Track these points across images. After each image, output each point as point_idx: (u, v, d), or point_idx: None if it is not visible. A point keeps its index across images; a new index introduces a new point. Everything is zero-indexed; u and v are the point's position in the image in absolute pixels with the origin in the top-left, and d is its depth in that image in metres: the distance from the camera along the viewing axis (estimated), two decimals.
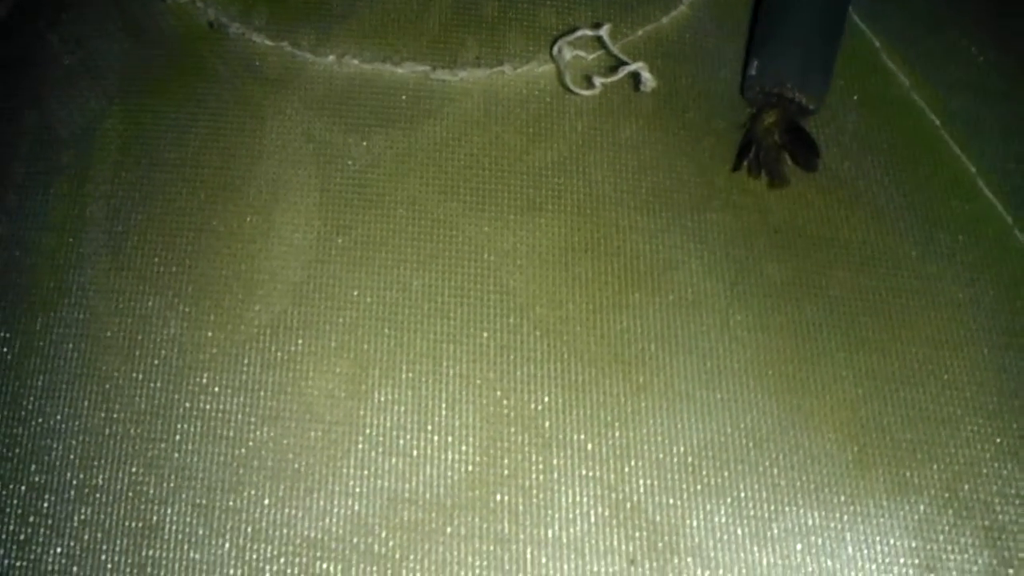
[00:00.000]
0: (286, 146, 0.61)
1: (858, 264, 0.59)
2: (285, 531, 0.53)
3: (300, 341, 0.57)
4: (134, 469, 0.55)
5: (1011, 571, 0.53)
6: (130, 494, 0.54)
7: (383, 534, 0.53)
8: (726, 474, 0.54)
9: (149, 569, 0.52)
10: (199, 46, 0.65)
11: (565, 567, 0.52)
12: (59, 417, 0.56)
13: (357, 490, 0.54)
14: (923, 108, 0.64)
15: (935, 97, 0.64)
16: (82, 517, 0.54)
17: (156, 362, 0.57)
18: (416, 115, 0.62)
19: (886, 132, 0.63)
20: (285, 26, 0.65)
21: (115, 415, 0.56)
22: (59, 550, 0.53)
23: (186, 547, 0.53)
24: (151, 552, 0.53)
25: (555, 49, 0.62)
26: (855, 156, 0.62)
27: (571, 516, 0.53)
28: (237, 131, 0.62)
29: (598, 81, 0.60)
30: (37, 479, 0.54)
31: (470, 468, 0.54)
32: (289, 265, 0.58)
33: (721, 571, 0.52)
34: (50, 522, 0.53)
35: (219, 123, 0.62)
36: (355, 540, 0.53)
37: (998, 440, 0.55)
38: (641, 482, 0.54)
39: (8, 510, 0.53)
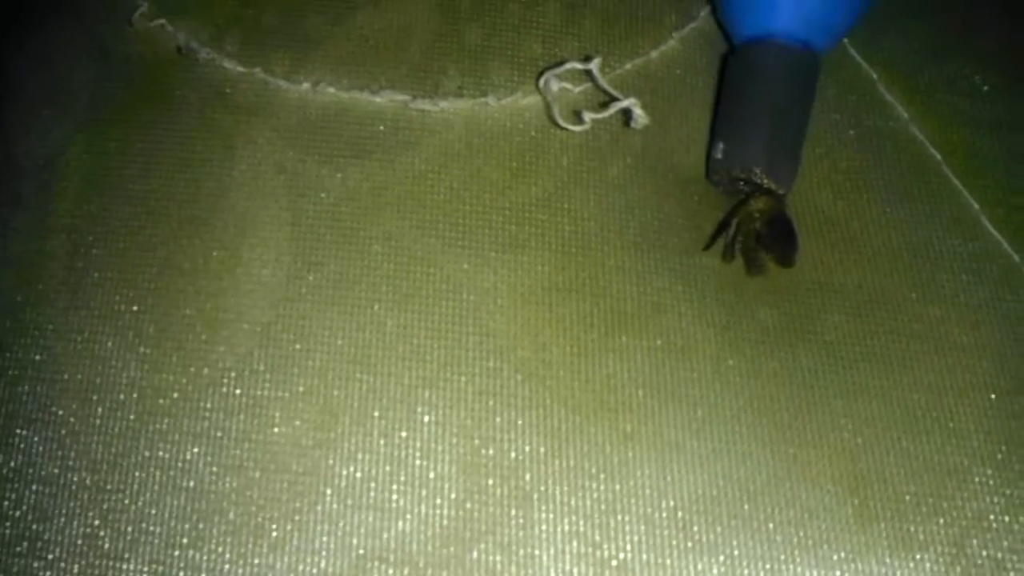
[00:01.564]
0: (256, 178, 0.58)
1: (855, 308, 0.56)
2: None
3: (266, 385, 0.53)
4: (89, 521, 0.51)
5: None
6: (85, 548, 0.51)
7: None
8: (719, 529, 0.51)
9: None
10: (167, 72, 0.62)
11: None
12: (12, 465, 0.52)
13: (324, 546, 0.50)
14: (923, 142, 0.61)
15: (936, 130, 0.62)
16: (34, 572, 0.50)
17: (114, 407, 0.53)
18: (394, 146, 0.60)
19: (883, 168, 0.60)
20: (258, 52, 0.62)
21: (70, 463, 0.52)
22: None
23: None
24: None
25: (541, 81, 0.59)
26: (849, 195, 0.59)
27: (552, 575, 0.50)
28: (205, 162, 0.59)
29: (587, 116, 0.57)
30: None
31: (445, 523, 0.51)
32: (256, 304, 0.55)
33: None
34: None
35: (186, 153, 0.59)
36: None
37: (1008, 492, 0.52)
38: (628, 539, 0.51)
39: None
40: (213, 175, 0.58)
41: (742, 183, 0.57)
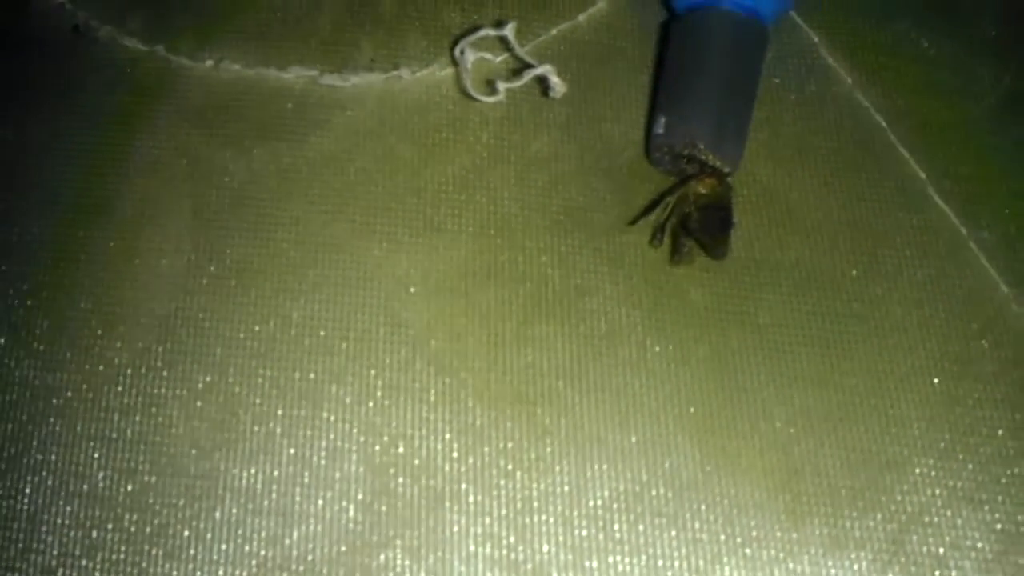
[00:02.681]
0: (156, 162, 0.55)
1: (791, 287, 0.53)
2: None
3: (164, 383, 0.50)
4: None
5: None
6: None
7: None
8: (641, 528, 0.48)
9: None
10: (63, 52, 0.58)
11: None
12: None
13: (223, 555, 0.47)
14: (868, 108, 0.57)
15: (881, 96, 0.58)
16: None
17: (5, 407, 0.50)
18: (302, 126, 0.56)
19: (825, 137, 0.57)
20: (160, 29, 0.59)
21: None
22: None
23: None
24: None
25: (456, 51, 0.55)
26: (789, 165, 0.56)
27: None
28: (103, 146, 0.56)
29: (501, 86, 0.54)
30: None
31: (351, 527, 0.48)
32: (155, 296, 0.52)
33: None
34: None
35: (83, 138, 0.56)
36: None
37: (950, 483, 0.49)
38: (545, 540, 0.48)
39: None
40: (111, 161, 0.55)
41: (685, 161, 0.53)
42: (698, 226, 0.52)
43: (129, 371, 0.51)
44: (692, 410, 0.50)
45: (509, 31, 0.54)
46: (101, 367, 0.51)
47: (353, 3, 0.59)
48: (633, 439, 0.50)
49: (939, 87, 0.58)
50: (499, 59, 0.57)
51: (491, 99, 0.54)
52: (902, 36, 0.59)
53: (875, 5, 0.60)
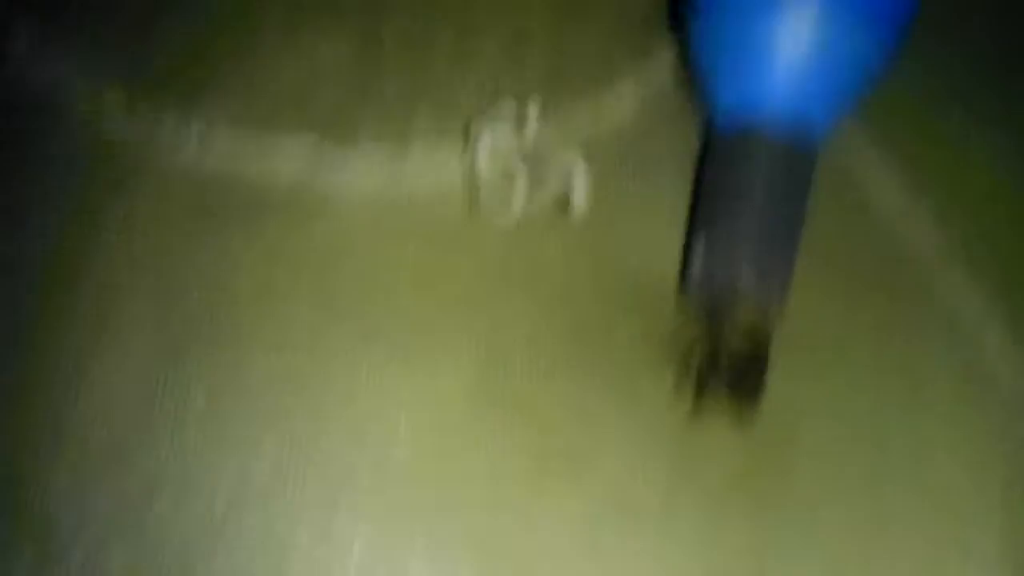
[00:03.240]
0: (120, 258, 0.48)
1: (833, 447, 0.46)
2: None
3: (108, 540, 0.44)
4: None
5: None
6: None
7: None
8: None
9: None
10: (37, 116, 0.51)
11: None
12: None
13: None
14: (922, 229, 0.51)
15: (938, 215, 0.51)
16: None
17: None
18: (290, 222, 0.50)
19: (871, 261, 0.50)
20: (143, 97, 0.51)
21: None
22: None
23: None
24: None
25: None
26: (830, 290, 0.49)
27: None
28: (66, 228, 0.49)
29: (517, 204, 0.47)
30: None
31: None
32: (104, 427, 0.45)
33: None
34: None
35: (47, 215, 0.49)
36: None
37: None
38: None
39: None
40: (75, 249, 0.48)
41: (724, 298, 0.46)
42: (733, 382, 0.46)
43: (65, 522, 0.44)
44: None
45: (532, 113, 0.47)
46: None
47: (355, 84, 0.53)
48: None
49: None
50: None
51: (505, 220, 0.48)
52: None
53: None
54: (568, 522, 0.44)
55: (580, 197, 0.47)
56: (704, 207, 0.48)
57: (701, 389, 0.46)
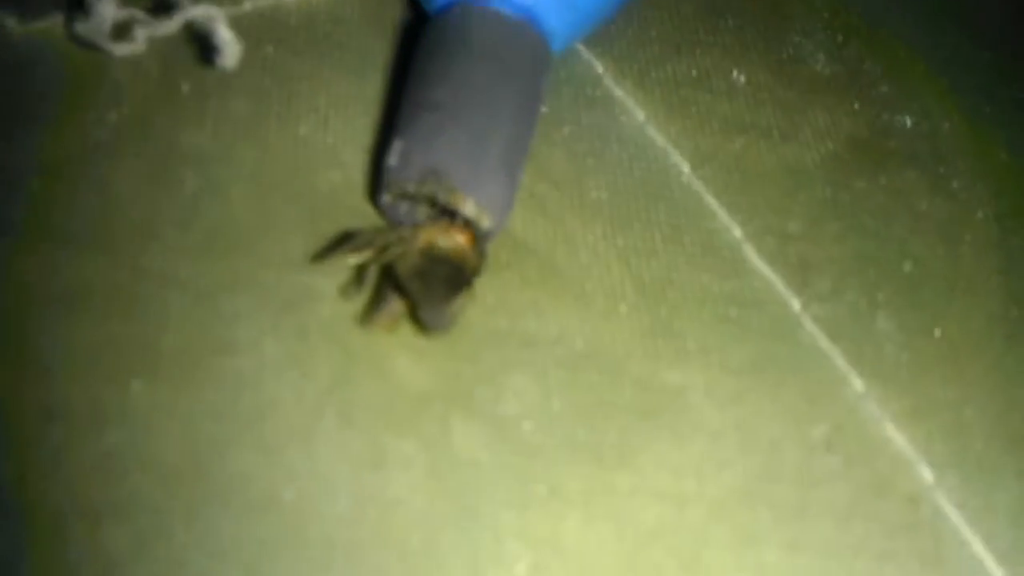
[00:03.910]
0: None
1: (548, 369, 0.35)
2: None
3: None
4: None
5: None
6: None
7: None
8: None
9: None
10: None
11: None
12: None
13: None
14: (664, 148, 0.43)
15: (682, 134, 0.43)
16: None
17: None
18: None
19: (606, 179, 0.42)
20: None
21: None
22: None
23: None
24: None
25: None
26: (556, 212, 0.40)
27: None
28: None
29: (140, 32, 0.37)
30: None
31: None
32: None
33: None
34: None
35: None
36: None
37: None
38: None
39: None
40: None
41: (427, 207, 0.36)
42: (413, 276, 0.34)
43: None
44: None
45: None
46: None
47: None
48: None
49: (757, 128, 0.44)
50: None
51: (124, 49, 0.37)
52: (710, 67, 0.46)
53: (673, 32, 0.47)
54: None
55: (226, 41, 0.37)
56: (407, 96, 0.38)
57: (377, 290, 0.35)
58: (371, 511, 0.32)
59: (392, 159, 0.36)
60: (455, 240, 0.36)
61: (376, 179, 0.38)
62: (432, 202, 0.36)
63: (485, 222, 0.36)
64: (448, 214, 0.36)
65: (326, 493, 0.32)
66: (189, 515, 0.31)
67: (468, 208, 0.35)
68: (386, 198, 0.37)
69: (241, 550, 0.31)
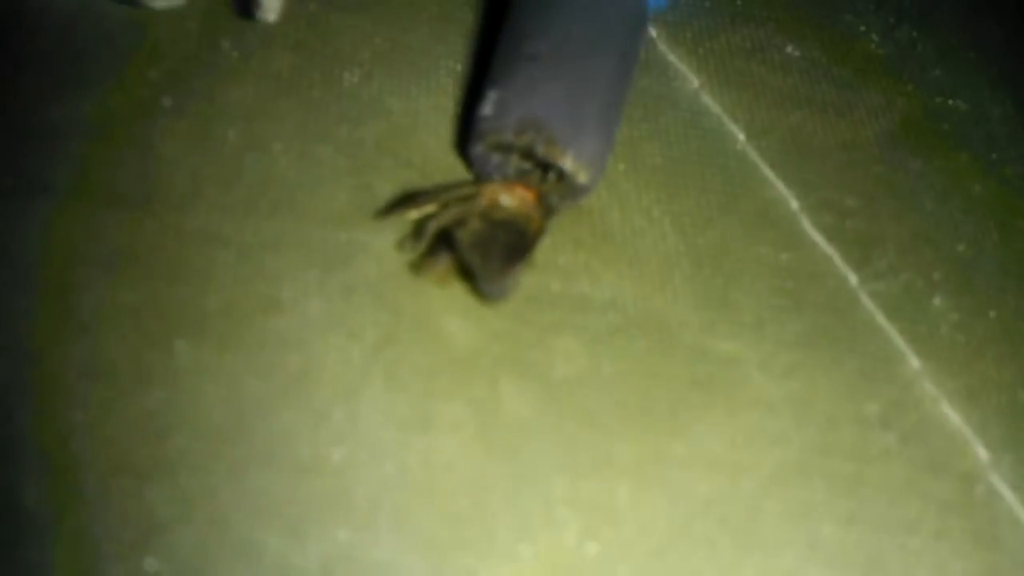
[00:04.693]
0: None
1: (600, 335, 0.34)
2: None
3: None
4: None
5: None
6: None
7: None
8: None
9: None
10: None
11: None
12: None
13: None
14: (719, 115, 0.42)
15: (737, 104, 0.43)
16: None
17: None
18: None
19: (661, 145, 0.41)
20: None
21: None
22: None
23: None
24: None
25: None
26: (610, 177, 0.39)
27: None
28: None
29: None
30: None
31: None
32: None
33: None
34: None
35: None
36: None
37: None
38: None
39: None
40: None
41: (517, 162, 0.35)
42: (474, 246, 0.34)
43: None
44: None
45: None
46: None
47: None
48: None
49: (812, 103, 0.43)
50: None
51: (163, 3, 0.36)
52: (764, 40, 0.45)
53: (727, 3, 0.46)
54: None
55: (270, 7, 0.36)
56: (503, 44, 0.38)
57: (429, 251, 0.34)
58: (418, 474, 0.31)
59: (487, 109, 0.35)
60: (520, 197, 0.35)
61: (465, 129, 0.37)
62: (526, 154, 0.35)
63: (582, 177, 0.35)
64: (542, 168, 0.35)
65: (372, 455, 0.31)
66: (233, 475, 0.30)
67: (567, 162, 0.34)
68: (479, 148, 0.36)
69: (285, 511, 0.30)
